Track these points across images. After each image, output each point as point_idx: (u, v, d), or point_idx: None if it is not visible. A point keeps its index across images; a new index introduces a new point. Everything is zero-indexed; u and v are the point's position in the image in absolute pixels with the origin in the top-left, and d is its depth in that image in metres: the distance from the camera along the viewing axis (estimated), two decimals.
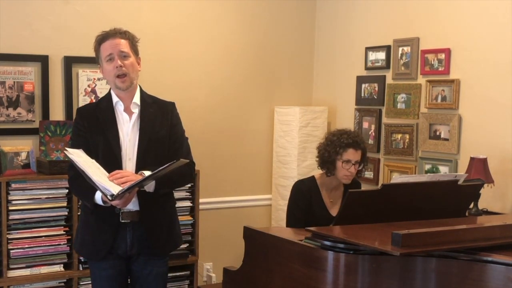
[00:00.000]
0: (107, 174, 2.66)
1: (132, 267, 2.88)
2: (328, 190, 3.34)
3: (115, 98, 2.82)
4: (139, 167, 2.74)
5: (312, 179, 3.37)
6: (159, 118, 2.85)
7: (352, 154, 3.21)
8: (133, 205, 2.77)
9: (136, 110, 2.82)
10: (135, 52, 2.82)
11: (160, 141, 2.82)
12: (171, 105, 2.94)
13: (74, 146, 2.80)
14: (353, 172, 3.23)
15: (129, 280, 2.94)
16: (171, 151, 2.84)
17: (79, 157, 2.64)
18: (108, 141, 2.76)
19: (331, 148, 3.23)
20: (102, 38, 2.79)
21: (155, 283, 2.89)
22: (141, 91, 2.88)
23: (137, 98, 2.83)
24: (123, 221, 2.77)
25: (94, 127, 2.79)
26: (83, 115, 2.85)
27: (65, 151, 2.67)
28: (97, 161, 2.73)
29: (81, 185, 2.67)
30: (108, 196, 2.55)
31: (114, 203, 2.59)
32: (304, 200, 3.28)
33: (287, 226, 3.33)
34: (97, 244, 2.82)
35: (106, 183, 2.57)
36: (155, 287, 2.90)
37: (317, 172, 3.43)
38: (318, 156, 3.33)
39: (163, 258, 2.94)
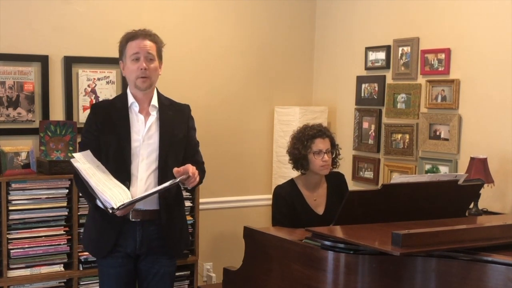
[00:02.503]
0: (112, 179, 2.66)
1: (140, 265, 2.88)
2: (310, 189, 3.33)
3: (130, 99, 2.83)
4: (161, 170, 2.76)
5: (291, 182, 3.36)
6: (178, 121, 2.88)
7: (321, 143, 3.23)
8: (143, 205, 2.77)
9: (154, 113, 2.83)
10: (160, 56, 2.86)
11: (179, 143, 2.85)
12: (188, 108, 2.98)
13: (85, 143, 2.82)
14: (327, 160, 3.23)
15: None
16: (188, 156, 2.87)
17: (84, 163, 2.65)
18: (120, 141, 2.77)
19: (299, 145, 3.25)
20: (131, 36, 2.81)
21: (162, 283, 2.89)
22: (158, 93, 2.90)
23: (155, 101, 2.85)
24: (133, 219, 2.77)
25: (106, 126, 2.80)
26: (97, 112, 2.86)
27: (71, 159, 2.68)
28: (107, 160, 2.74)
29: (84, 185, 2.68)
30: (108, 209, 2.56)
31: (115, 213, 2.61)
32: (286, 205, 3.26)
33: None
34: (101, 241, 2.83)
35: (108, 194, 2.57)
36: (162, 286, 2.91)
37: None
38: (290, 159, 3.33)
39: (173, 257, 2.95)
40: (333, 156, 3.31)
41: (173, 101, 2.95)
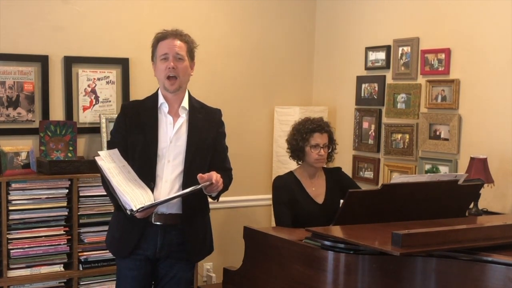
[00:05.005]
0: (137, 179, 2.65)
1: (159, 267, 2.87)
2: (309, 179, 3.39)
3: (161, 99, 2.82)
4: (186, 173, 2.76)
5: (290, 173, 3.43)
6: (207, 125, 2.86)
7: (318, 138, 3.31)
8: (166, 208, 2.76)
9: (183, 115, 2.82)
10: (191, 56, 2.84)
11: (206, 147, 2.83)
12: (219, 112, 2.96)
13: (112, 142, 2.82)
14: (323, 155, 3.32)
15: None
16: (217, 161, 2.86)
17: (109, 162, 2.64)
18: (147, 141, 2.76)
19: (298, 136, 3.33)
20: (161, 37, 2.80)
21: (176, 287, 2.88)
22: (189, 95, 2.88)
23: (185, 103, 2.84)
24: (155, 222, 2.76)
25: (134, 126, 2.79)
26: (126, 111, 2.86)
27: (96, 157, 2.67)
28: (134, 160, 2.73)
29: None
30: (127, 211, 2.56)
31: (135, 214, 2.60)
32: (287, 194, 3.31)
33: (277, 223, 3.33)
34: (123, 241, 2.82)
35: (129, 196, 2.56)
36: None
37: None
38: (288, 148, 3.41)
39: (192, 263, 2.94)
40: (329, 150, 3.38)
41: (204, 104, 2.94)
